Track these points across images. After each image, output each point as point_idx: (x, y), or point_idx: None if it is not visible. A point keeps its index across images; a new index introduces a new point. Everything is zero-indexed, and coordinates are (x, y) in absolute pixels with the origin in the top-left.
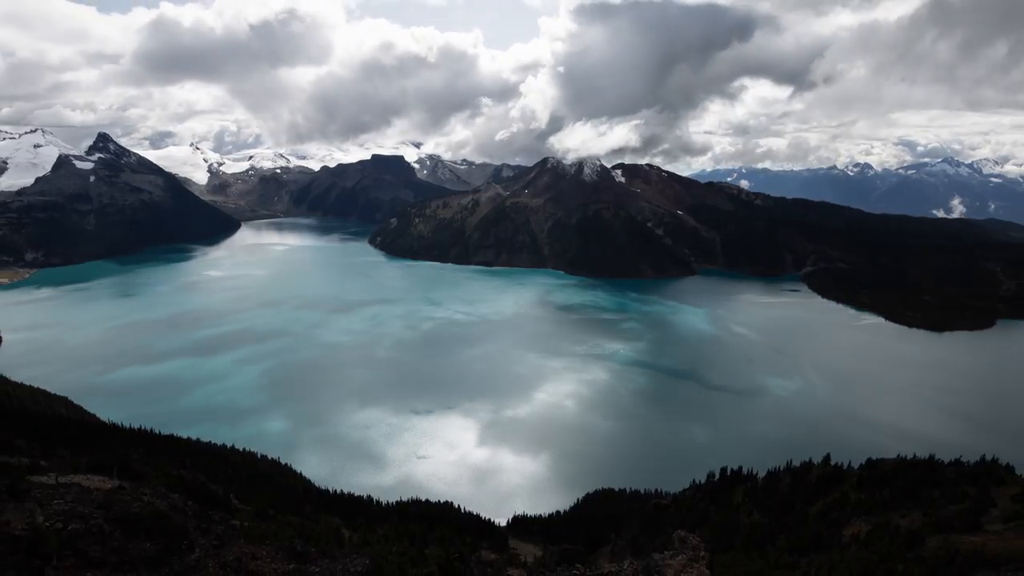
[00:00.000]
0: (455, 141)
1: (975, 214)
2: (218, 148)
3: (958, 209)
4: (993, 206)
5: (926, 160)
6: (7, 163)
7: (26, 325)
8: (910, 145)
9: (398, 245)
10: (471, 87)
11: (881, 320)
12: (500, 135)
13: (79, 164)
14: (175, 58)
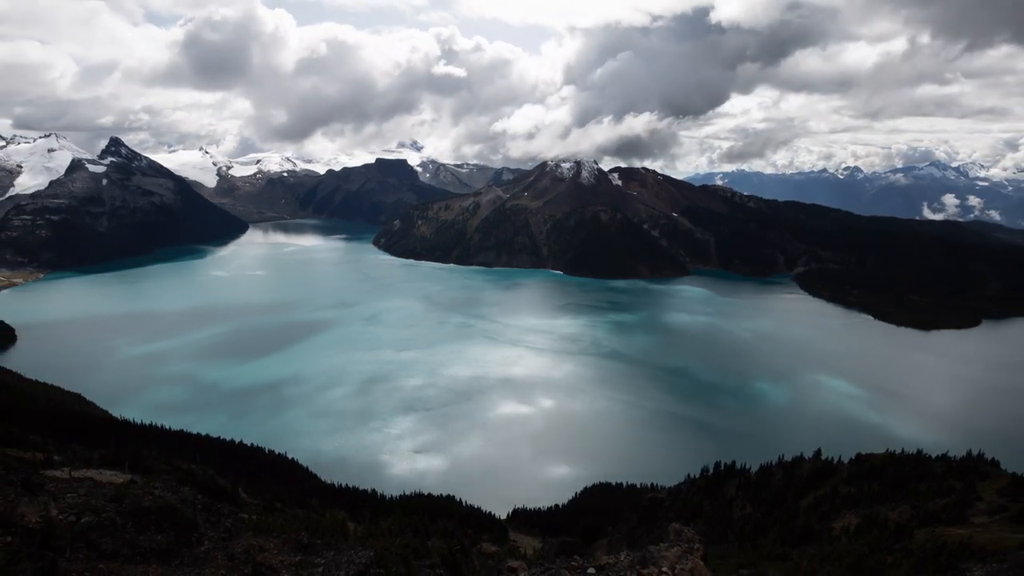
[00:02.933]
0: (476, 133)
1: (962, 216)
2: (242, 150)
3: (945, 211)
4: (979, 208)
5: (915, 163)
6: (22, 166)
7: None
8: (899, 149)
9: (401, 246)
10: (505, 96)
11: (870, 319)
12: (496, 126)
13: (92, 168)
14: (216, 67)
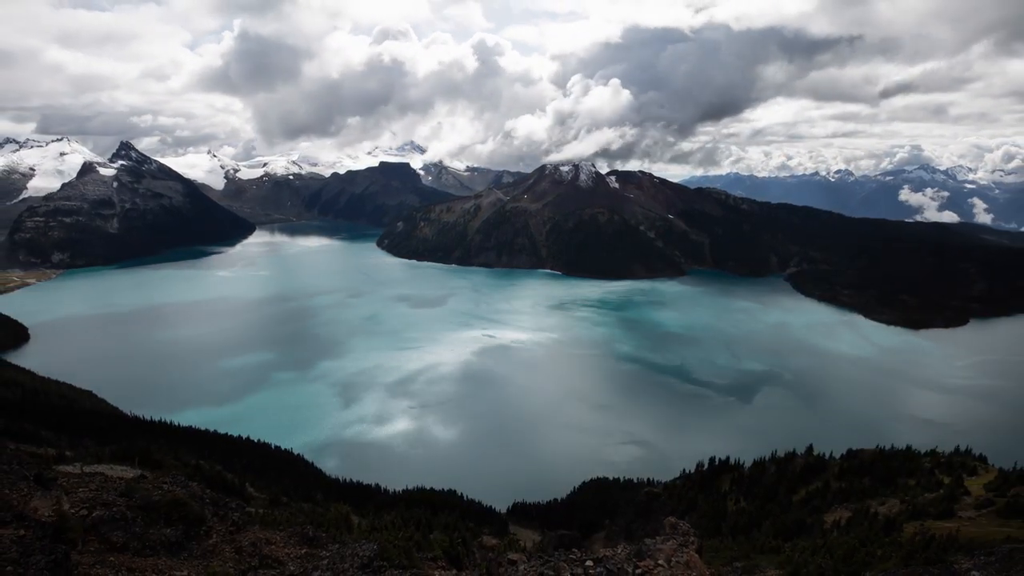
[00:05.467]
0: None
1: (950, 218)
2: (248, 154)
3: (934, 213)
4: (967, 210)
5: (904, 167)
6: (35, 170)
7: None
8: (889, 152)
9: (404, 247)
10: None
11: (860, 318)
12: (509, 124)
13: (103, 171)
14: (254, 75)
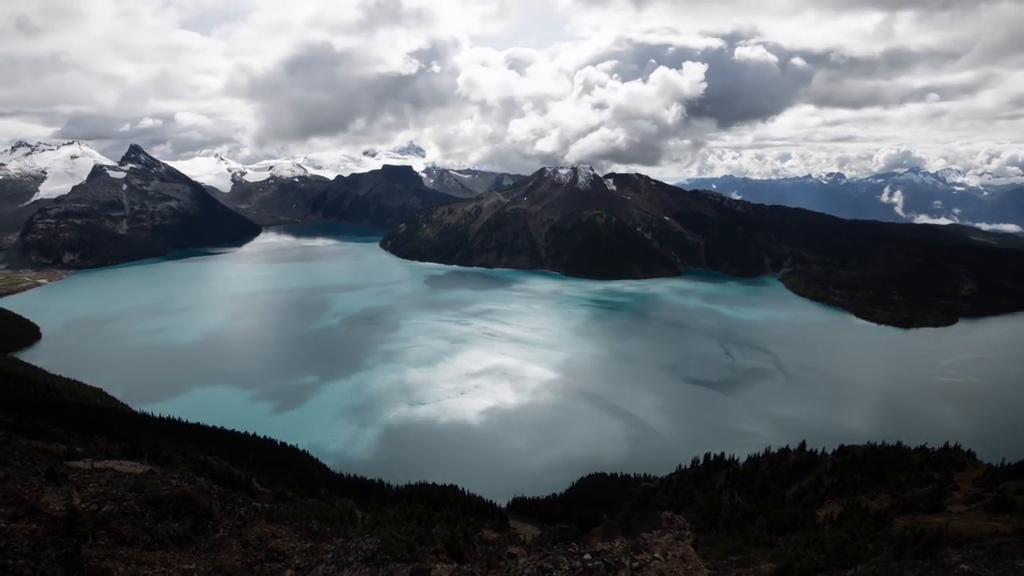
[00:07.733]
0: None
1: (939, 219)
2: (255, 157)
3: (924, 215)
4: (956, 212)
5: (895, 170)
6: (46, 172)
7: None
8: (880, 155)
9: (407, 248)
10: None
11: (852, 317)
12: (518, 124)
13: (112, 174)
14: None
